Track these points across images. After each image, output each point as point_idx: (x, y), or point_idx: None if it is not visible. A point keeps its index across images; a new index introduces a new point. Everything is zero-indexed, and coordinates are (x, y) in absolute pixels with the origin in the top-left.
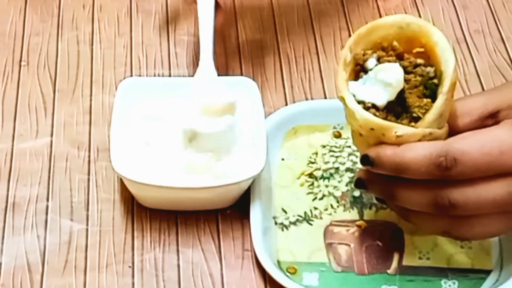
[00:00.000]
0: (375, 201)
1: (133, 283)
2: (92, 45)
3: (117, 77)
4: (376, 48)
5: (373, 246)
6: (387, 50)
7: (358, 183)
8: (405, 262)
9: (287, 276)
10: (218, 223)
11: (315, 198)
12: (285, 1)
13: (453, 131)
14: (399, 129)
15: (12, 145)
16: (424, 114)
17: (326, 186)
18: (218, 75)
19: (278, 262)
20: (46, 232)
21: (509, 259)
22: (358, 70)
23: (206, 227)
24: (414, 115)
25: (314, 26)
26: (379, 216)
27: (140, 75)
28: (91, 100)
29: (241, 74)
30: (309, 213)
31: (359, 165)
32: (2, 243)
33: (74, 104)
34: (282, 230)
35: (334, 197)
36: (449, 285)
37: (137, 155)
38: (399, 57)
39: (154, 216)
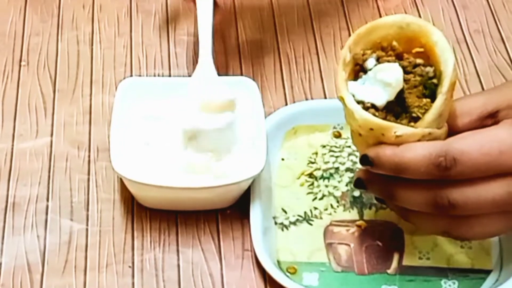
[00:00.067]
0: (375, 201)
1: (133, 283)
2: (92, 45)
3: (117, 77)
4: (375, 48)
5: (373, 246)
6: (387, 50)
7: (358, 183)
8: (405, 262)
9: (287, 276)
10: (218, 223)
11: (315, 198)
12: (285, 1)
13: (452, 131)
14: (399, 129)
15: (12, 145)
16: (423, 114)
17: (326, 186)
18: (218, 75)
19: (278, 262)
20: (46, 232)
21: (509, 259)
22: (358, 70)
23: (206, 227)
24: (414, 115)
25: (314, 26)
26: (379, 216)
27: (140, 75)
28: (91, 100)
29: (241, 74)
30: (309, 213)
31: (359, 165)
32: (2, 243)
33: (74, 104)
34: (282, 230)
35: (334, 197)
36: (449, 285)
37: (137, 155)
38: (399, 57)
39: (154, 216)
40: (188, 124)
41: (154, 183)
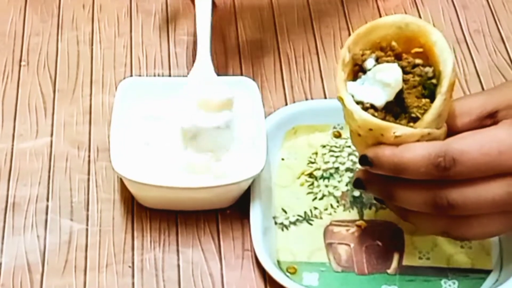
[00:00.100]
0: (375, 201)
1: (133, 283)
2: (92, 45)
3: (117, 77)
4: (374, 48)
5: (373, 246)
6: (386, 50)
7: (357, 183)
8: (405, 262)
9: (287, 276)
10: (218, 223)
11: (315, 198)
12: (285, 1)
13: (451, 131)
14: (398, 129)
15: (12, 145)
16: (422, 114)
17: (326, 186)
18: (218, 75)
19: (278, 262)
20: (46, 232)
21: (509, 259)
22: (357, 71)
23: (206, 227)
24: (413, 115)
25: (314, 26)
26: (379, 216)
27: (140, 75)
28: (91, 100)
29: (241, 74)
30: (309, 213)
31: (359, 166)
32: (2, 243)
33: (74, 104)
34: (282, 230)
35: (334, 197)
36: (449, 285)
37: (137, 155)
38: (398, 57)
39: (154, 216)
40: (186, 123)
41: (154, 183)
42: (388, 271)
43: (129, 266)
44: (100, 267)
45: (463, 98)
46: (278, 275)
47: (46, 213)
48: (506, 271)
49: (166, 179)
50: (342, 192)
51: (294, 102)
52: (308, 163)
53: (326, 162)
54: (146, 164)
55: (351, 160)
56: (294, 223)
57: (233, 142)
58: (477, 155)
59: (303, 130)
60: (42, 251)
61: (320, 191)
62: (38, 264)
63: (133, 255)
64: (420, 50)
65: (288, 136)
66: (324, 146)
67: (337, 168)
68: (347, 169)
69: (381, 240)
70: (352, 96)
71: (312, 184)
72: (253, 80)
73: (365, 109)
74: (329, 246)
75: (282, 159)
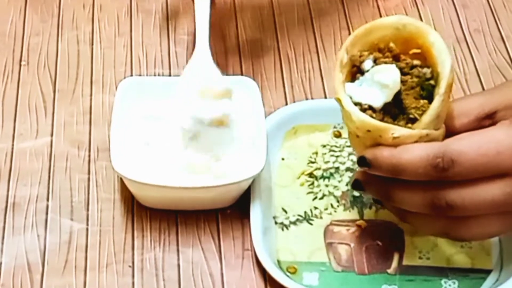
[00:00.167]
0: (373, 202)
1: (133, 283)
2: (92, 44)
3: (117, 77)
4: (372, 49)
5: (373, 245)
6: (384, 52)
7: (355, 184)
8: (405, 262)
9: (287, 275)
10: (218, 222)
11: (315, 197)
12: (285, 0)
13: (450, 132)
14: (396, 130)
15: (12, 145)
16: (420, 115)
17: (326, 185)
18: None
19: (278, 261)
20: (46, 231)
21: (509, 259)
22: (355, 72)
23: (206, 227)
24: (411, 116)
25: (314, 25)
26: (379, 216)
27: (140, 75)
28: (91, 99)
29: (241, 74)
30: (309, 213)
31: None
32: (2, 243)
33: (74, 103)
34: (282, 229)
35: (334, 196)
36: (449, 285)
37: (137, 154)
38: (396, 59)
39: (154, 216)
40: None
41: (154, 182)
42: (388, 271)
43: (129, 266)
44: (100, 266)
45: (462, 99)
46: (278, 275)
47: (46, 213)
48: (506, 271)
49: (166, 178)
50: (342, 192)
51: (294, 101)
52: (308, 163)
53: (326, 162)
54: (146, 163)
55: (351, 160)
56: (294, 222)
57: (233, 142)
58: (475, 156)
59: (303, 130)
60: (42, 251)
61: (320, 190)
62: (38, 264)
63: (133, 254)
64: (418, 51)
65: (288, 136)
66: (324, 146)
67: (337, 168)
68: (347, 169)
69: (381, 239)
70: (350, 98)
71: (312, 183)
72: (253, 79)
73: (363, 110)
74: (329, 245)
75: (282, 159)
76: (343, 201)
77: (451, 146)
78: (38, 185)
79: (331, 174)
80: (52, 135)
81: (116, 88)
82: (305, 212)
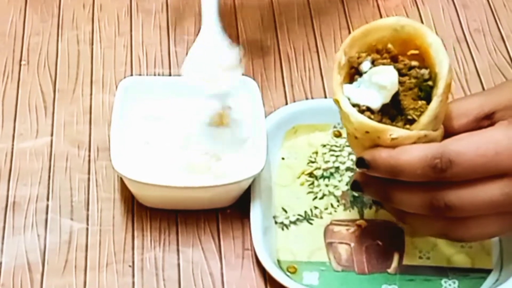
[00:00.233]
0: (373, 203)
1: (133, 283)
2: (92, 44)
3: (117, 77)
4: (370, 50)
5: (373, 245)
6: (382, 53)
7: (354, 185)
8: (405, 262)
9: (287, 275)
10: (218, 222)
11: (315, 197)
12: (285, 0)
13: (448, 133)
14: (394, 131)
15: (12, 145)
16: (419, 116)
17: (326, 185)
18: None
19: (278, 261)
20: (46, 231)
21: (509, 258)
22: (353, 73)
23: (206, 227)
24: (409, 117)
25: (314, 25)
26: (379, 216)
27: (140, 75)
28: (91, 99)
29: (241, 74)
30: (309, 213)
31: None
32: (2, 243)
33: (74, 103)
34: (282, 229)
35: (334, 196)
36: (449, 285)
37: (137, 154)
38: (394, 60)
39: (154, 216)
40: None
41: (154, 182)
42: (389, 270)
43: (129, 266)
44: (100, 266)
45: (460, 100)
46: (278, 275)
47: (46, 213)
48: (506, 271)
49: (166, 178)
50: (343, 192)
51: (294, 101)
52: (308, 163)
53: (327, 162)
54: (146, 163)
55: (352, 160)
56: (294, 222)
57: (233, 142)
58: (473, 157)
59: (303, 130)
60: (42, 250)
61: (320, 190)
62: (38, 263)
63: (133, 254)
64: (416, 52)
65: (288, 136)
66: (324, 146)
67: (337, 168)
68: (348, 169)
69: (381, 239)
70: (349, 99)
71: (312, 183)
72: (253, 79)
73: (362, 111)
74: (329, 245)
75: (282, 159)
76: (343, 201)
77: (450, 146)
78: (38, 185)
79: (331, 173)
80: (52, 135)
81: (116, 88)
82: (305, 212)
